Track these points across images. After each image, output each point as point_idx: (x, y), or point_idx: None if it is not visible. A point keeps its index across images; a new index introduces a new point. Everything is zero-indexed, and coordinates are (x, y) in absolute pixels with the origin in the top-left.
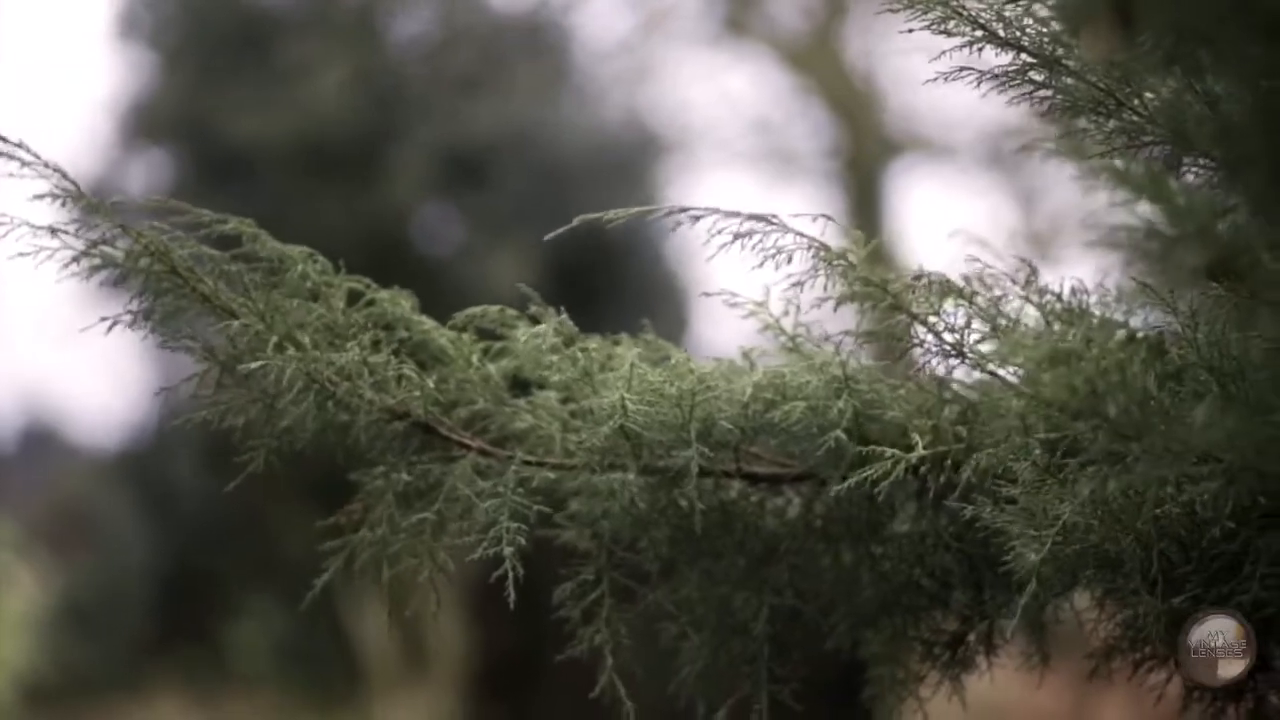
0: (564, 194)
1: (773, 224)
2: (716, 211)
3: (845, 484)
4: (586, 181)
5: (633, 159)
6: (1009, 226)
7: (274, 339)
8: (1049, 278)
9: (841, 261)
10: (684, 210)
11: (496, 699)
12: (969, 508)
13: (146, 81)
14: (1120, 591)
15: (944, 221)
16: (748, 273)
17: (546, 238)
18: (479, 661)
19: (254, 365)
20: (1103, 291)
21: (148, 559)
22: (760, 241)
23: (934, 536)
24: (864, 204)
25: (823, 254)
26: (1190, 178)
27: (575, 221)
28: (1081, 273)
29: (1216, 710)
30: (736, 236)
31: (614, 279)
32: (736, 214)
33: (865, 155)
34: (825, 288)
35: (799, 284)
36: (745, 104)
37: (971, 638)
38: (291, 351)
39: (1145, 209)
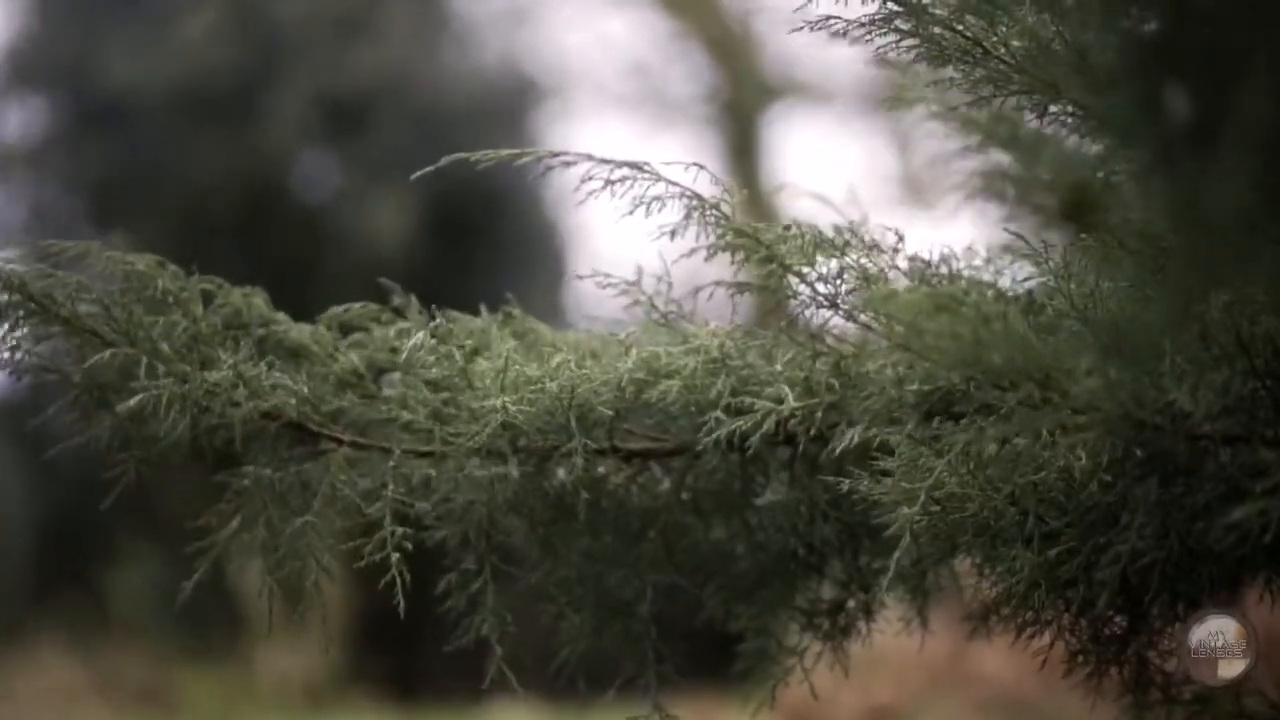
0: (443, 140)
1: (645, 172)
2: (589, 158)
3: (717, 433)
4: (465, 127)
5: (511, 104)
6: (886, 171)
7: (144, 361)
8: (919, 234)
9: (714, 211)
10: (556, 155)
11: (379, 648)
12: (845, 481)
13: (19, 27)
14: (999, 558)
15: (822, 166)
16: (623, 222)
17: (414, 176)
18: (361, 610)
19: (132, 403)
20: (970, 254)
21: (26, 508)
22: (632, 189)
23: (809, 505)
24: (742, 149)
25: (695, 203)
26: (1058, 125)
27: (444, 161)
28: (956, 221)
29: (1100, 671)
30: (608, 183)
31: (492, 226)
32: (609, 161)
33: (743, 100)
34: (697, 238)
35: (671, 233)
36: (623, 48)
37: (851, 604)
38: (163, 372)
39: (999, 155)
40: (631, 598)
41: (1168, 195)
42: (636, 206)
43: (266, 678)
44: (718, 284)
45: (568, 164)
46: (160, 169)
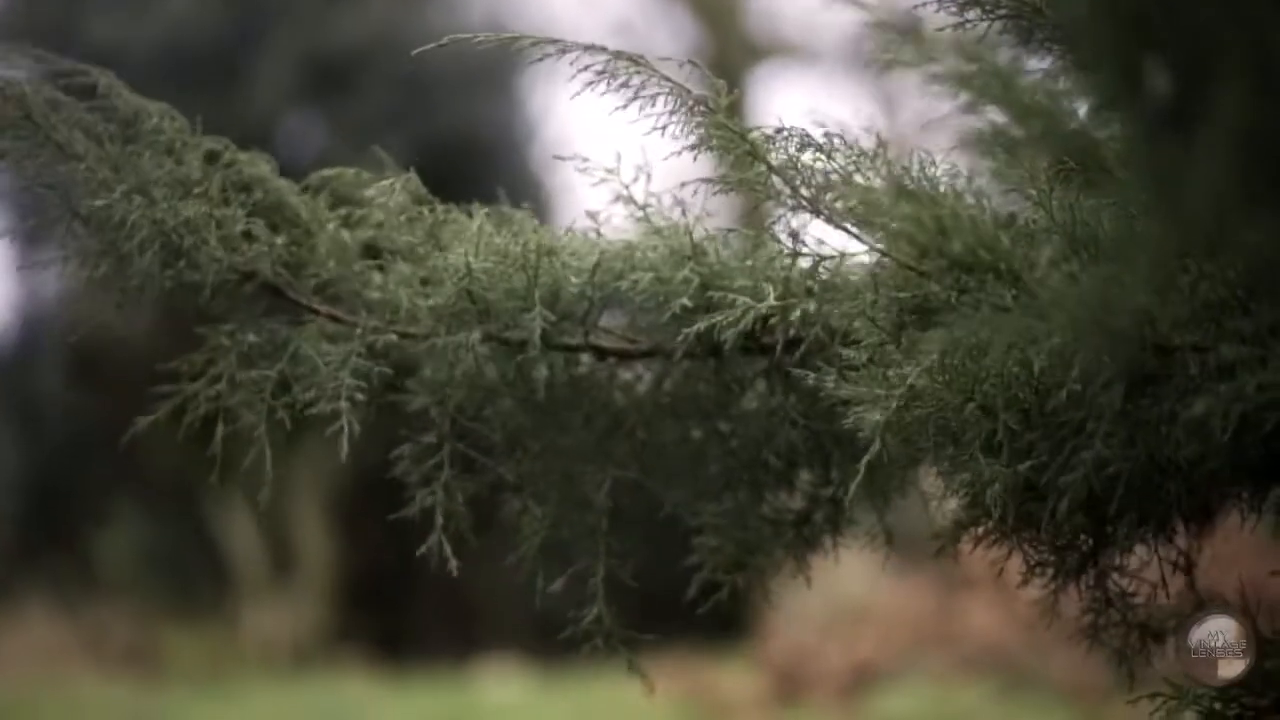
0: (429, 102)
1: (638, 65)
2: (582, 46)
3: (694, 329)
4: (451, 89)
5: (497, 65)
6: (871, 130)
7: (123, 187)
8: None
9: (702, 108)
10: (552, 42)
11: (366, 607)
12: (813, 375)
13: None
14: (963, 464)
15: (808, 126)
16: (607, 139)
17: (414, 52)
18: (348, 570)
19: (99, 203)
20: (953, 168)
21: (13, 468)
22: (624, 81)
23: (781, 414)
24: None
25: (685, 98)
26: (1044, 48)
27: (445, 40)
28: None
29: (1058, 587)
30: (600, 74)
31: (478, 185)
32: (602, 50)
33: (729, 60)
34: (683, 133)
35: (660, 127)
36: (607, 7)
37: (818, 516)
38: (139, 200)
39: (992, 110)
40: (593, 490)
41: (1149, 169)
42: (628, 100)
43: (253, 637)
44: (701, 181)
45: (563, 51)
46: None
